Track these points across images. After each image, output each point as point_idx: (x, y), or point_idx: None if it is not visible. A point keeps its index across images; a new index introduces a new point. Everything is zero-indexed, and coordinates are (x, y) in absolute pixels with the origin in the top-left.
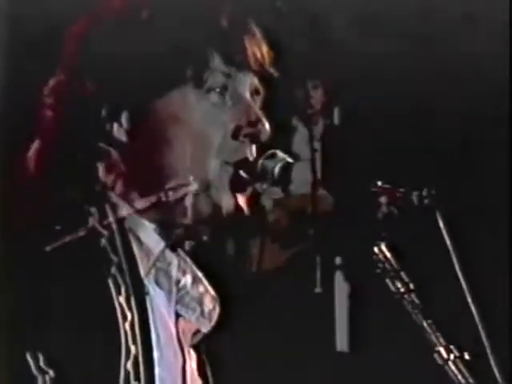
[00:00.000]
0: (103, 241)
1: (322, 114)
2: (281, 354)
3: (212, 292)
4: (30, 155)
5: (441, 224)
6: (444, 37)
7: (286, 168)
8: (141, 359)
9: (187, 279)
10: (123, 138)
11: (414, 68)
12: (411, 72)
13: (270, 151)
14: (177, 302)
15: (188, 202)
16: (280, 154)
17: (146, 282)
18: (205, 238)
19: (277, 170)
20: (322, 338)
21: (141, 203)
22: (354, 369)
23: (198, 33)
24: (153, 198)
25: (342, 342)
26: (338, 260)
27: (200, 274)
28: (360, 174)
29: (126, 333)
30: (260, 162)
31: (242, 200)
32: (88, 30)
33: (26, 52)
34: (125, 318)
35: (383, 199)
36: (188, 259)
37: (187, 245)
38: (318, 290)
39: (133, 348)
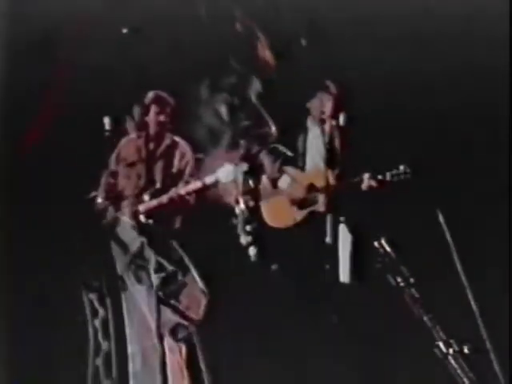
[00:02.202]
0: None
1: (330, 117)
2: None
3: (200, 284)
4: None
5: (441, 219)
6: (444, 39)
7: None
8: (113, 355)
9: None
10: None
11: (413, 72)
12: (410, 76)
13: (271, 146)
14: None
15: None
16: (280, 148)
17: (125, 278)
18: (251, 203)
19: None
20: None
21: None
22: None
23: (215, 36)
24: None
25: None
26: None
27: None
28: (361, 159)
29: (95, 329)
30: (261, 154)
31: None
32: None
33: (26, 52)
34: (95, 314)
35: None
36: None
37: (237, 208)
38: (328, 239)
39: (104, 344)
